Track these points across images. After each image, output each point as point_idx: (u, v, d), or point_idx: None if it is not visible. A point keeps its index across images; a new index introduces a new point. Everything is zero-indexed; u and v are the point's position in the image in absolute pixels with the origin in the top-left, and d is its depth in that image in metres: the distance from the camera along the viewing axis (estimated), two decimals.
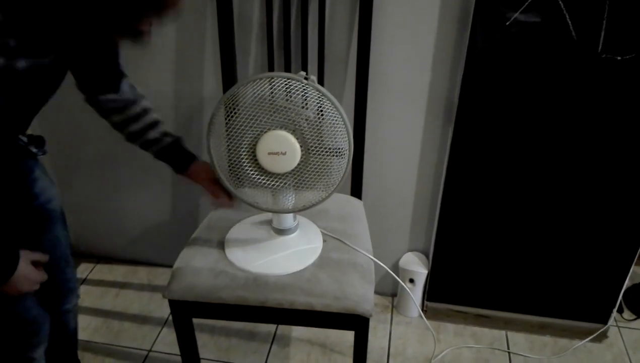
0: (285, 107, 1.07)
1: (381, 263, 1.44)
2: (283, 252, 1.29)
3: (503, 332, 1.86)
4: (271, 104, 1.07)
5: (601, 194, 1.56)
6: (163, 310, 1.93)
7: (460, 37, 1.46)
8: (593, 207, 1.59)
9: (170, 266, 1.32)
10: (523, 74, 1.41)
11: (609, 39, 1.32)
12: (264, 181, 1.16)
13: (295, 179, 1.15)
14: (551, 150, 1.51)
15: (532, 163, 1.54)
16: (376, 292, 2.00)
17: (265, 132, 1.09)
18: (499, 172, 1.57)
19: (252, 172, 1.15)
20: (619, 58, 1.35)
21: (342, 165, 1.14)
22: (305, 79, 1.07)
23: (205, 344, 1.79)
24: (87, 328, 1.85)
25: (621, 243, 1.63)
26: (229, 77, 1.49)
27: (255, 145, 1.11)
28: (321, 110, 1.09)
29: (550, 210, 1.61)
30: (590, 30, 1.32)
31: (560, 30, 1.33)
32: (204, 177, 1.29)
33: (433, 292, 1.86)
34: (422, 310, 1.90)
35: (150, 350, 1.77)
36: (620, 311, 1.93)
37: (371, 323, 1.86)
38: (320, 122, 1.09)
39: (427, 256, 1.87)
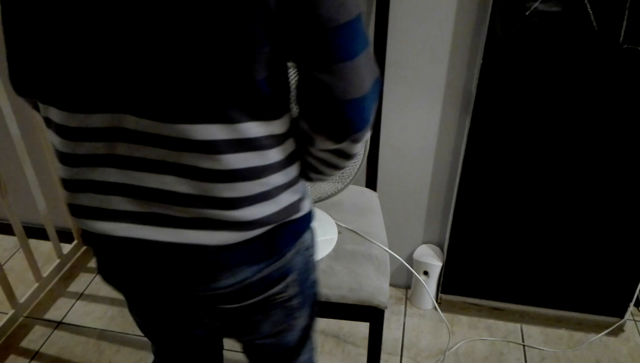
0: None
1: (396, 255, 1.44)
2: None
3: (518, 325, 1.85)
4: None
5: (619, 186, 1.54)
6: None
7: (479, 26, 1.44)
8: (611, 200, 1.57)
9: None
10: (543, 65, 1.39)
11: (631, 29, 1.30)
12: None
13: None
14: (570, 142, 1.49)
15: (550, 155, 1.52)
16: (390, 284, 2.00)
17: None
18: (516, 164, 1.56)
19: None
20: None
21: (357, 157, 1.14)
22: None
23: None
24: (103, 317, 1.87)
25: (639, 237, 1.61)
26: None
27: None
28: None
29: (567, 202, 1.59)
30: (612, 20, 1.30)
31: (581, 20, 1.31)
32: None
33: (447, 284, 1.85)
34: (437, 302, 1.89)
35: None
36: (637, 305, 1.91)
37: (385, 315, 1.86)
38: None
39: (441, 248, 1.86)
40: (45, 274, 1.98)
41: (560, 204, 1.60)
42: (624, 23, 1.29)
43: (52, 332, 1.81)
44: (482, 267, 1.78)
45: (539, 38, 1.35)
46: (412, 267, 1.82)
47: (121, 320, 1.86)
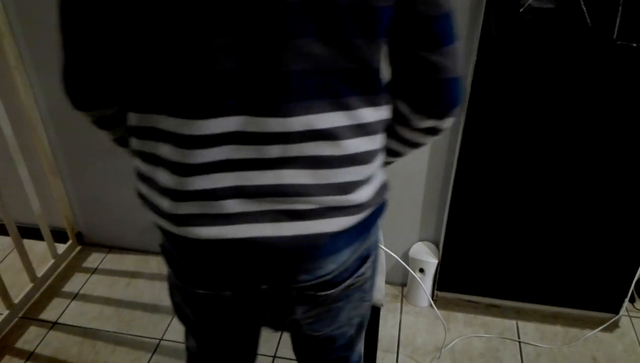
0: None
1: (391, 253, 1.44)
2: None
3: (513, 322, 1.85)
4: None
5: (614, 183, 1.54)
6: None
7: (473, 23, 1.44)
8: (606, 197, 1.57)
9: None
10: (537, 61, 1.39)
11: (625, 26, 1.30)
12: None
13: None
14: (565, 139, 1.49)
15: (545, 153, 1.52)
16: (386, 282, 2.00)
17: None
18: (511, 161, 1.56)
19: None
20: (634, 45, 1.32)
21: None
22: None
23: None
24: (98, 317, 1.87)
25: (633, 233, 1.62)
26: None
27: None
28: None
29: (562, 199, 1.60)
30: (606, 16, 1.30)
31: (574, 16, 1.31)
32: None
33: (443, 281, 1.85)
34: (432, 299, 1.89)
35: (161, 339, 1.78)
36: (632, 300, 1.91)
37: (381, 313, 1.86)
38: None
39: (437, 246, 1.87)
40: (40, 274, 1.97)
41: (555, 201, 1.61)
42: (618, 19, 1.29)
43: (47, 333, 1.81)
44: (478, 264, 1.78)
45: (533, 35, 1.35)
46: (407, 265, 1.82)
47: (117, 319, 1.86)
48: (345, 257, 0.84)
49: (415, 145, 0.93)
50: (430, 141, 0.92)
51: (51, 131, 1.92)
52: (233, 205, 0.74)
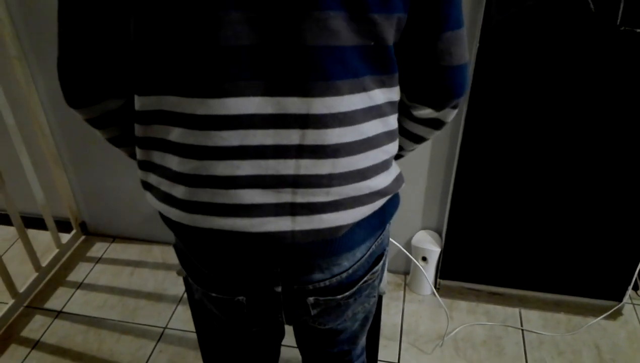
0: None
1: (394, 241, 1.44)
2: None
3: (516, 310, 1.85)
4: None
5: (618, 171, 1.53)
6: (178, 288, 1.95)
7: (476, 10, 1.43)
8: (609, 184, 1.56)
9: None
10: (540, 48, 1.38)
11: (629, 11, 1.28)
12: None
13: None
14: (568, 126, 1.48)
15: (548, 140, 1.52)
16: (389, 270, 2.01)
17: None
18: (514, 149, 1.55)
19: None
20: (638, 30, 1.31)
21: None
22: None
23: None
24: (103, 306, 1.88)
25: (637, 220, 1.61)
26: None
27: None
28: None
29: (565, 187, 1.59)
30: (609, 2, 1.28)
31: (578, 2, 1.29)
32: None
33: (446, 269, 1.85)
34: (435, 287, 1.90)
35: (165, 327, 1.80)
36: (635, 288, 1.91)
37: (384, 301, 1.86)
38: None
39: (440, 234, 1.86)
40: (44, 264, 1.98)
41: (558, 189, 1.60)
42: (621, 5, 1.28)
43: (52, 322, 1.82)
44: (481, 252, 1.78)
45: (535, 21, 1.34)
46: (410, 253, 1.82)
47: (121, 308, 1.87)
48: (360, 254, 0.81)
49: (417, 138, 0.90)
50: (432, 135, 0.90)
51: (53, 121, 1.93)
52: (249, 196, 0.70)
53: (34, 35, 1.74)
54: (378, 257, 0.88)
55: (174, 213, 0.75)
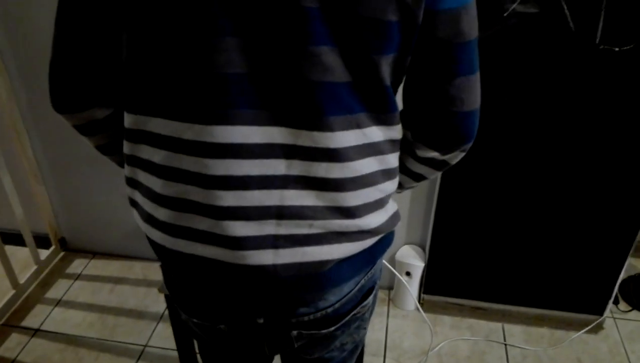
0: None
1: None
2: None
3: (500, 324, 1.86)
4: None
5: (597, 186, 1.56)
6: (159, 305, 1.92)
7: None
8: (589, 200, 1.58)
9: None
10: (521, 65, 1.40)
11: (607, 30, 1.31)
12: None
13: None
14: (548, 142, 1.50)
15: (529, 155, 1.53)
16: None
17: None
18: (496, 164, 1.57)
19: None
20: (616, 49, 1.34)
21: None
22: None
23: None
24: (82, 323, 1.84)
25: (617, 235, 1.63)
26: None
27: None
28: None
29: (546, 202, 1.61)
30: (588, 21, 1.31)
31: (558, 21, 1.32)
32: None
33: (430, 284, 1.85)
34: (419, 302, 1.90)
35: (146, 345, 1.76)
36: (616, 302, 1.93)
37: None
38: None
39: (423, 249, 1.87)
40: (22, 281, 1.94)
41: (540, 204, 1.62)
42: (600, 24, 1.31)
43: (29, 340, 1.78)
44: (464, 267, 1.78)
45: (517, 39, 1.36)
46: (394, 268, 1.82)
47: (100, 326, 1.83)
48: (348, 289, 0.79)
49: (418, 177, 0.88)
50: (434, 176, 0.87)
51: (34, 136, 1.90)
52: (232, 228, 0.68)
53: (15, 50, 1.72)
54: (369, 290, 0.85)
55: (156, 236, 0.73)
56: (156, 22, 0.62)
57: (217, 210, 0.68)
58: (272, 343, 0.84)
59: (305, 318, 0.78)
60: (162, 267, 0.88)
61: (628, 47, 1.33)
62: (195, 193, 0.68)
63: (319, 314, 0.78)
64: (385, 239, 0.80)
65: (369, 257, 0.78)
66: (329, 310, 0.79)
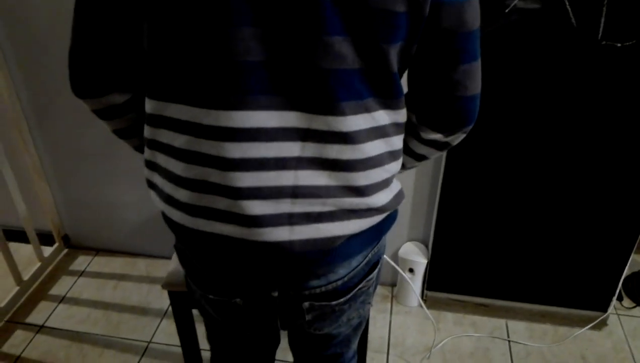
0: None
1: None
2: None
3: (503, 321, 1.86)
4: None
5: (601, 182, 1.55)
6: (162, 301, 1.92)
7: None
8: (593, 196, 1.58)
9: (169, 258, 1.31)
10: (523, 62, 1.39)
11: (609, 26, 1.31)
12: None
13: None
14: (551, 138, 1.50)
15: (531, 151, 1.53)
16: None
17: None
18: (499, 160, 1.56)
19: None
20: (619, 45, 1.33)
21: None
22: None
23: (205, 334, 1.79)
24: (86, 320, 1.85)
25: (621, 232, 1.63)
26: None
27: None
28: None
29: (550, 199, 1.61)
30: (590, 16, 1.31)
31: (559, 17, 1.32)
32: None
33: (433, 281, 1.85)
34: (422, 299, 1.90)
35: (150, 341, 1.77)
36: (619, 299, 1.93)
37: (371, 313, 1.86)
38: None
39: (426, 245, 1.87)
40: (25, 278, 1.95)
41: (543, 200, 1.61)
42: (602, 20, 1.30)
43: (34, 336, 1.79)
44: (467, 263, 1.78)
45: (518, 35, 1.35)
46: (397, 265, 1.82)
47: (105, 322, 1.84)
48: (356, 262, 0.84)
49: (420, 157, 0.93)
50: (435, 155, 0.93)
51: (36, 133, 1.90)
52: (250, 207, 0.72)
53: (16, 46, 1.73)
54: (374, 265, 0.90)
55: (176, 216, 0.78)
56: (177, 13, 0.66)
57: (236, 191, 0.72)
58: (285, 316, 0.88)
59: (317, 290, 0.83)
60: (177, 247, 0.92)
61: (630, 43, 1.32)
62: (215, 175, 0.72)
63: (330, 286, 0.83)
64: (390, 216, 0.85)
65: (376, 233, 0.83)
66: (339, 282, 0.84)
